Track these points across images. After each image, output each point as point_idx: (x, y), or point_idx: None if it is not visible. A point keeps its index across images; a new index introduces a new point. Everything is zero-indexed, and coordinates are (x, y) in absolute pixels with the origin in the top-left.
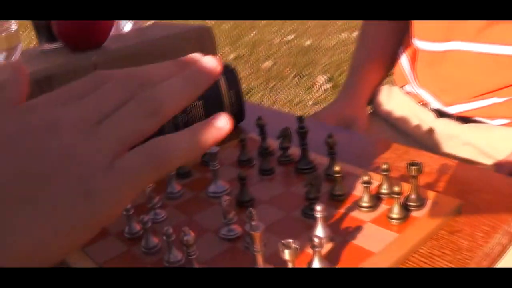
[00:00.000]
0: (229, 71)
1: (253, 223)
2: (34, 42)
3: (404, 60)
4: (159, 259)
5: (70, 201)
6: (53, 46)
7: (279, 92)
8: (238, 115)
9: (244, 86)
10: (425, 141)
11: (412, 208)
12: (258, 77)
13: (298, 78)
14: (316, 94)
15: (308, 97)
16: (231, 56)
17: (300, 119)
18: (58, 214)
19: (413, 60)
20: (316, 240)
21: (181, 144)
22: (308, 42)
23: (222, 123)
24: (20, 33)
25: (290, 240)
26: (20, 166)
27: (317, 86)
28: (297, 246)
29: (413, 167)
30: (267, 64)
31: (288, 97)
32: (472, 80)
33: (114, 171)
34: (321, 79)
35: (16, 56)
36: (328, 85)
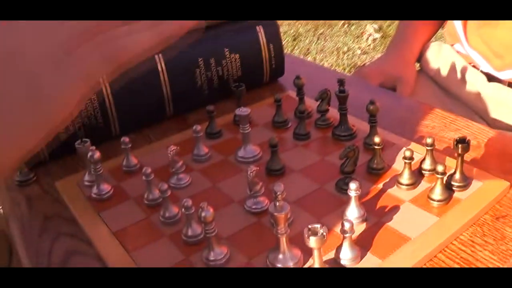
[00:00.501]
0: (269, 23)
1: (277, 203)
2: None
3: None
4: (177, 230)
5: (18, 99)
6: None
7: (327, 40)
8: (277, 70)
9: (292, 31)
10: (473, 104)
11: (455, 188)
12: (307, 23)
13: (347, 26)
14: (365, 44)
15: (357, 46)
16: None
17: (341, 82)
18: (6, 114)
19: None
20: (347, 225)
21: (138, 36)
22: None
23: None
24: None
25: (317, 226)
26: None
27: (366, 35)
28: (324, 233)
29: (460, 144)
30: None
31: (336, 45)
32: None
33: (64, 66)
34: (370, 28)
35: None
36: (377, 35)
